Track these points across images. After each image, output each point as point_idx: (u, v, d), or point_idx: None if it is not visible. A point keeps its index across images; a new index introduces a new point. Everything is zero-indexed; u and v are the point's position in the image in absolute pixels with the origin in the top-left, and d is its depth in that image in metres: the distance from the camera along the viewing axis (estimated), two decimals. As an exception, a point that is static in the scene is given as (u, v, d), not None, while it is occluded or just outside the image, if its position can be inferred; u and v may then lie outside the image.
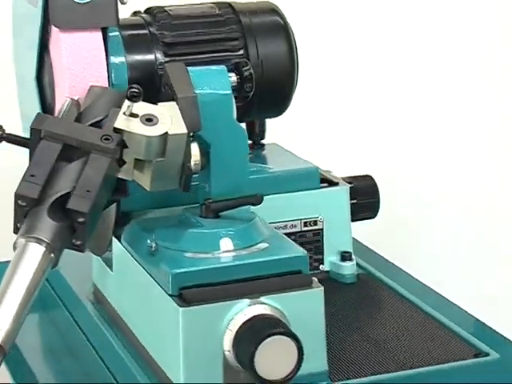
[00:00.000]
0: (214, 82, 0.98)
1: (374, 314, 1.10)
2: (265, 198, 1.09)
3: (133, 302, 1.03)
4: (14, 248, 0.84)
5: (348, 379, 0.95)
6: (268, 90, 1.09)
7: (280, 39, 1.10)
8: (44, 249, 0.83)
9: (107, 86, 1.00)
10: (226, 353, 0.88)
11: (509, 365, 1.00)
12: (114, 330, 1.06)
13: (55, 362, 1.21)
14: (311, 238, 1.14)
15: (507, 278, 1.85)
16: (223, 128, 0.99)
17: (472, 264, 1.83)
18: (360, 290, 1.14)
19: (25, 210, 0.85)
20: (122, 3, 1.03)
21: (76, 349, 1.18)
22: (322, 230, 1.15)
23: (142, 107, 0.94)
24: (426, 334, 1.04)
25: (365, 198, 1.19)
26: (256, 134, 1.21)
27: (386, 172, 1.70)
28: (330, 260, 1.15)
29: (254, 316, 0.88)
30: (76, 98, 0.96)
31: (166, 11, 1.09)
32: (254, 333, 0.86)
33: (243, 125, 1.19)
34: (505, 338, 1.09)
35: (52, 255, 0.84)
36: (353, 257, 1.15)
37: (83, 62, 0.99)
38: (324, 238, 1.15)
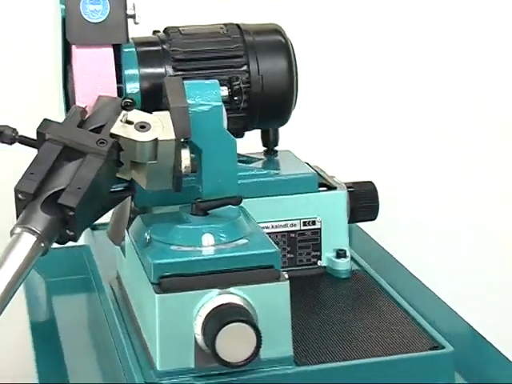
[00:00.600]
0: (206, 95, 0.99)
1: (358, 307, 1.09)
2: (268, 199, 1.14)
3: (133, 286, 1.05)
4: (11, 235, 0.87)
5: (311, 365, 0.95)
6: (268, 102, 1.10)
7: (279, 57, 1.10)
8: (35, 238, 0.85)
9: (115, 96, 1.03)
10: (197, 336, 0.89)
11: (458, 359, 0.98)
12: (123, 312, 1.08)
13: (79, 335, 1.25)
14: (310, 237, 1.14)
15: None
16: (214, 136, 1.00)
17: (471, 265, 1.80)
18: (351, 285, 1.13)
19: (23, 203, 0.88)
20: (135, 23, 1.06)
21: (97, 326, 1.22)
22: (319, 229, 1.15)
23: (138, 115, 0.96)
24: (397, 328, 1.02)
25: (365, 202, 1.19)
26: (270, 142, 1.21)
27: (391, 177, 1.72)
28: (327, 256, 1.14)
29: (222, 304, 0.89)
30: (84, 106, 0.99)
31: (179, 31, 1.10)
32: (217, 319, 0.87)
33: (258, 132, 1.22)
34: (479, 336, 1.09)
35: (42, 244, 0.86)
36: (347, 254, 1.15)
37: (94, 75, 1.01)
38: (322, 236, 1.15)
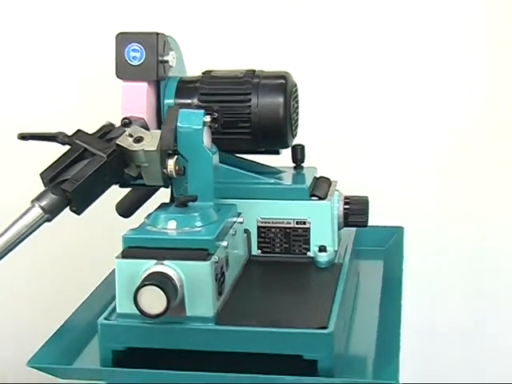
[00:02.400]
0: (192, 120, 1.02)
1: (308, 288, 1.06)
2: (271, 201, 1.14)
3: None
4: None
5: (226, 325, 0.94)
6: (266, 129, 1.10)
7: (276, 96, 1.09)
8: (40, 211, 0.93)
9: (144, 117, 1.08)
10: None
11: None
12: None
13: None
14: (301, 233, 1.13)
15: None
16: (195, 150, 1.02)
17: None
18: (323, 273, 1.10)
19: (45, 185, 0.98)
20: (170, 68, 1.11)
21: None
22: (309, 228, 1.13)
23: (140, 132, 1.02)
24: (315, 307, 0.98)
25: (356, 212, 1.16)
26: (297, 159, 1.20)
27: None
28: (313, 250, 1.13)
29: (154, 272, 0.92)
30: (110, 123, 1.04)
31: (211, 72, 1.14)
32: (143, 280, 0.91)
33: (289, 151, 1.22)
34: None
35: (46, 215, 0.93)
36: (328, 249, 1.12)
37: (132, 101, 1.08)
38: (310, 234, 1.13)
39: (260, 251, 1.15)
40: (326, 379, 0.90)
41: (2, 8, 1.54)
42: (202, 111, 1.03)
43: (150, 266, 0.94)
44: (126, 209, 1.16)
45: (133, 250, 0.96)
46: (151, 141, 1.00)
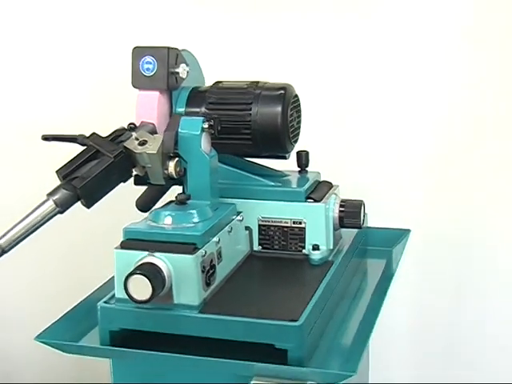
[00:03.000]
0: (192, 127, 1.03)
1: (297, 283, 1.05)
2: (271, 202, 1.14)
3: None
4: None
5: (209, 314, 0.94)
6: (265, 136, 1.09)
7: (274, 106, 1.08)
8: (52, 204, 0.96)
9: (154, 123, 1.09)
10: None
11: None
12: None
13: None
14: (297, 232, 1.12)
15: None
16: (194, 153, 1.03)
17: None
18: (315, 269, 1.08)
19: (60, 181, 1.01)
20: (182, 79, 1.10)
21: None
22: (304, 228, 1.12)
23: (145, 136, 1.03)
24: (296, 300, 0.97)
25: (351, 216, 1.14)
26: (302, 164, 1.19)
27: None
28: (308, 248, 1.11)
29: (144, 262, 0.94)
30: (123, 127, 1.05)
31: (219, 83, 1.14)
32: (133, 269, 0.92)
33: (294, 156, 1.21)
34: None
35: (58, 208, 0.96)
36: (321, 248, 1.10)
37: (144, 108, 1.09)
38: (305, 233, 1.12)
39: (260, 247, 1.15)
40: (287, 367, 0.90)
41: (26, 19, 1.56)
42: (202, 118, 1.04)
43: (143, 256, 0.96)
44: (143, 204, 1.18)
45: (130, 242, 0.98)
46: (153, 144, 1.02)
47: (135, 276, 0.92)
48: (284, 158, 1.18)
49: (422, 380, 1.57)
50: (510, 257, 1.59)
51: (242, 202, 1.12)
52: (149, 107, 1.09)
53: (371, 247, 1.33)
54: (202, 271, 0.97)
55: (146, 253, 0.96)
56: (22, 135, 1.43)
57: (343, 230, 1.17)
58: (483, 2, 1.51)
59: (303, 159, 1.19)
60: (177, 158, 1.03)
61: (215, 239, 1.00)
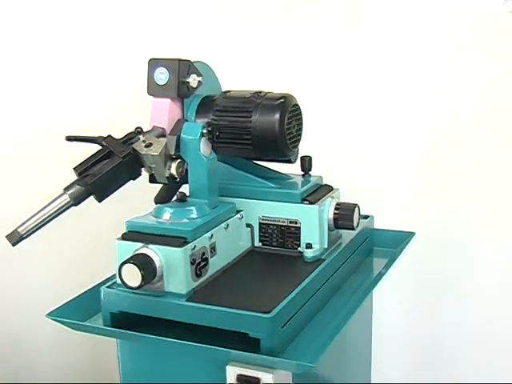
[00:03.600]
0: (192, 131, 1.03)
1: (286, 278, 1.03)
2: (269, 203, 1.13)
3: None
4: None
5: (196, 302, 0.94)
6: (263, 142, 1.08)
7: (272, 114, 1.06)
8: (68, 197, 0.98)
9: (164, 127, 1.09)
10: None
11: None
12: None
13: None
14: (293, 231, 1.10)
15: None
16: (194, 155, 1.03)
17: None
18: (307, 266, 1.07)
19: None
20: (193, 88, 1.10)
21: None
22: (299, 227, 1.10)
23: (152, 139, 1.04)
24: (278, 294, 0.96)
25: (344, 218, 1.11)
26: (305, 168, 1.17)
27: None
28: (302, 246, 1.10)
29: (138, 253, 0.96)
30: (137, 129, 1.06)
31: (228, 92, 1.13)
32: (127, 259, 0.94)
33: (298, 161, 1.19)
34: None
35: (71, 202, 0.98)
36: (314, 246, 1.09)
37: (157, 113, 1.09)
38: (300, 232, 1.10)
39: (261, 243, 1.14)
40: (255, 355, 0.89)
41: (49, 29, 1.56)
42: (202, 124, 1.04)
43: (138, 247, 0.97)
44: (160, 199, 1.19)
45: (130, 234, 1.00)
46: (157, 147, 1.03)
47: (127, 265, 0.93)
48: (290, 162, 1.18)
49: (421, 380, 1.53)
50: (497, 255, 1.55)
51: (245, 202, 1.12)
52: (161, 113, 1.10)
53: (378, 247, 1.30)
54: (192, 263, 0.97)
55: (141, 244, 0.97)
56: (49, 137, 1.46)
57: (348, 231, 1.15)
58: (469, 18, 1.50)
59: (306, 164, 1.18)
60: (179, 160, 1.04)
61: (208, 235, 1.01)
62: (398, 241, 1.29)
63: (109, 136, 1.06)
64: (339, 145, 1.49)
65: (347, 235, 1.19)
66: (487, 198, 1.53)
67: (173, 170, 1.03)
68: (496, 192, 1.52)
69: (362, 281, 1.16)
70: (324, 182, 1.19)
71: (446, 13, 1.46)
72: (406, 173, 1.58)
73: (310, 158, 1.18)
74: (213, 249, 1.02)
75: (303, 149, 1.17)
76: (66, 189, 1.00)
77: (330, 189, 1.16)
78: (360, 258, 1.23)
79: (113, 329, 0.99)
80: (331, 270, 1.09)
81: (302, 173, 1.19)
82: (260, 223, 1.13)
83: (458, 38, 1.48)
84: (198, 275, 0.99)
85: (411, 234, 1.29)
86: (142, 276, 0.93)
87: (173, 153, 1.03)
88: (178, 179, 1.05)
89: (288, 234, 1.12)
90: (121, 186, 1.04)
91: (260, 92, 1.11)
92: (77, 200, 1.00)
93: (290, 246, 1.12)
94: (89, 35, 1.56)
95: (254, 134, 1.08)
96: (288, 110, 1.08)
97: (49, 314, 1.01)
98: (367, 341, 1.33)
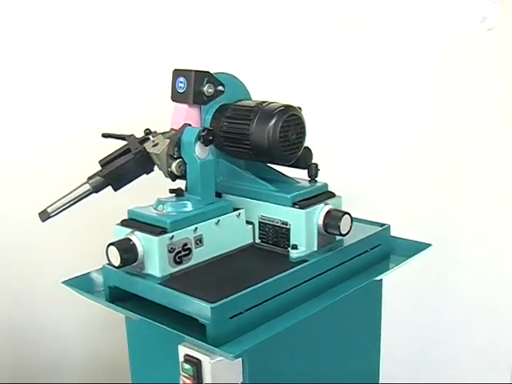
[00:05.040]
0: (190, 135, 1.11)
1: (264, 273, 1.07)
2: (267, 204, 1.19)
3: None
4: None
5: (170, 288, 1.02)
6: (258, 147, 1.13)
7: (268, 122, 1.11)
8: (88, 186, 1.12)
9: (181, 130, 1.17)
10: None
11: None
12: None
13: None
14: (284, 232, 1.15)
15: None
16: (190, 156, 1.11)
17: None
18: (289, 265, 1.10)
19: None
20: (208, 97, 1.18)
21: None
22: (289, 229, 1.14)
23: (160, 139, 1.14)
24: (240, 287, 1.01)
25: (331, 225, 1.13)
26: (312, 175, 1.20)
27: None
28: (290, 246, 1.14)
29: (125, 238, 1.06)
30: (153, 130, 1.17)
31: (240, 101, 1.20)
32: (114, 241, 1.05)
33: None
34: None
35: (92, 190, 1.11)
36: (299, 248, 1.13)
37: (176, 117, 1.18)
38: (290, 233, 1.14)
39: (260, 240, 1.20)
40: (193, 340, 0.97)
41: (82, 37, 1.61)
42: (199, 129, 1.12)
43: (128, 233, 1.08)
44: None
45: (127, 221, 1.12)
46: (161, 147, 1.13)
47: (111, 247, 1.05)
48: (304, 168, 1.22)
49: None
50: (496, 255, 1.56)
51: (248, 201, 1.19)
52: (178, 117, 1.19)
53: (395, 256, 1.29)
54: (170, 251, 1.06)
55: (130, 230, 1.08)
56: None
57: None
58: (452, 36, 1.58)
59: (313, 171, 1.21)
60: (179, 159, 1.13)
61: (192, 227, 1.09)
62: (413, 250, 1.27)
63: (132, 135, 1.18)
64: (339, 149, 1.52)
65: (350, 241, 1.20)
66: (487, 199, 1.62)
67: (173, 168, 1.13)
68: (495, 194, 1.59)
69: (353, 285, 1.17)
70: (329, 189, 1.21)
71: (431, 29, 1.52)
72: (405, 175, 1.64)
73: (316, 166, 1.21)
74: (199, 241, 1.10)
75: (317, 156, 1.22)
76: (89, 178, 1.14)
77: (329, 195, 1.19)
78: (365, 263, 1.23)
79: (104, 301, 1.12)
80: (313, 272, 1.12)
81: (309, 179, 1.22)
82: (259, 222, 1.19)
83: (445, 53, 1.62)
84: (178, 262, 1.08)
85: (426, 246, 1.27)
86: (121, 257, 1.04)
87: (172, 153, 1.12)
88: (179, 176, 1.14)
89: (280, 234, 1.16)
90: (134, 178, 1.15)
91: (264, 102, 1.17)
92: (96, 188, 1.13)
93: (282, 246, 1.17)
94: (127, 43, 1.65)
95: (252, 140, 1.14)
96: (282, 119, 1.12)
97: (64, 282, 1.16)
98: (376, 341, 1.32)
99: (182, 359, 1.00)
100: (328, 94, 1.66)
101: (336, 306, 1.10)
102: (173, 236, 1.06)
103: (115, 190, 1.15)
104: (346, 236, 1.15)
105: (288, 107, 1.14)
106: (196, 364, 0.98)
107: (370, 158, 1.68)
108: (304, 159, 1.21)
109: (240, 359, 1.00)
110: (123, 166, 1.14)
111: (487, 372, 1.54)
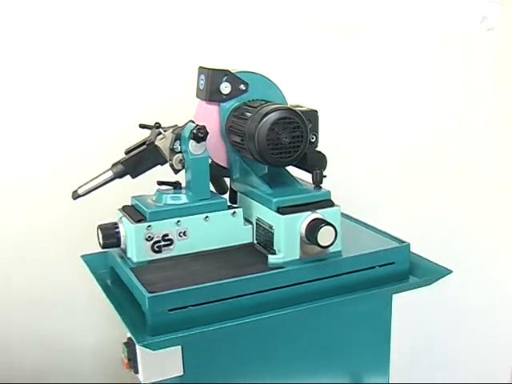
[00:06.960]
0: (187, 131, 1.11)
1: (236, 274, 1.03)
2: (262, 206, 1.14)
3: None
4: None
5: (135, 272, 1.04)
6: (251, 148, 1.09)
7: (257, 124, 1.05)
8: (111, 173, 1.17)
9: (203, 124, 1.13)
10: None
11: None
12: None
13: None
14: (271, 236, 1.09)
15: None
16: (186, 152, 1.11)
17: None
18: (264, 270, 1.05)
19: None
20: (225, 94, 1.15)
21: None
22: (273, 232, 1.08)
23: (167, 134, 1.15)
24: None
25: (309, 235, 1.04)
26: (316, 181, 1.10)
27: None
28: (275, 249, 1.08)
29: (113, 221, 1.10)
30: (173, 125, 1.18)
31: (250, 101, 1.16)
32: (102, 223, 1.10)
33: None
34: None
35: (115, 176, 1.16)
36: (277, 253, 1.07)
37: (196, 112, 1.19)
38: (274, 236, 1.08)
39: (256, 241, 1.15)
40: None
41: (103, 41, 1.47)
42: (194, 125, 1.11)
43: (119, 217, 1.13)
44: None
45: (126, 207, 1.16)
46: (165, 140, 1.14)
47: (98, 229, 1.10)
48: (307, 171, 1.15)
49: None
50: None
51: (249, 201, 1.16)
52: (198, 112, 1.21)
53: (415, 277, 1.15)
54: (147, 239, 1.08)
55: (121, 215, 1.12)
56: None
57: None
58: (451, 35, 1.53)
59: (317, 177, 1.12)
60: (180, 154, 1.13)
61: (174, 220, 1.09)
62: (432, 274, 1.12)
63: (156, 124, 1.21)
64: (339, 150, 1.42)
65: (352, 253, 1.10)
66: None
67: (173, 162, 1.13)
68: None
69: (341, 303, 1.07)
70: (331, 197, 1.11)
71: (431, 29, 1.41)
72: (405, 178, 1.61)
73: (321, 172, 1.13)
74: (182, 233, 1.10)
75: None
76: (113, 165, 1.20)
77: (324, 204, 1.09)
78: (371, 281, 1.11)
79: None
80: (287, 280, 1.05)
81: (314, 185, 1.14)
82: (256, 223, 1.15)
83: (444, 52, 1.56)
84: (157, 251, 1.09)
85: (447, 272, 1.10)
86: (103, 238, 1.09)
87: (172, 147, 1.13)
88: (179, 169, 1.15)
89: (268, 237, 1.11)
90: (149, 168, 1.18)
91: (266, 103, 1.12)
92: (117, 175, 1.19)
93: (269, 248, 1.11)
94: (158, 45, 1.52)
95: (246, 141, 1.11)
96: (272, 121, 1.07)
97: (83, 256, 1.24)
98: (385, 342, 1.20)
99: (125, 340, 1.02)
100: (328, 94, 1.58)
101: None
102: (150, 226, 1.08)
103: (132, 177, 1.19)
104: (340, 248, 1.08)
105: (283, 110, 1.08)
106: (131, 345, 0.99)
107: (369, 158, 1.62)
108: (312, 163, 1.14)
109: (179, 350, 0.98)
110: (137, 155, 1.18)
111: (487, 372, 1.45)
